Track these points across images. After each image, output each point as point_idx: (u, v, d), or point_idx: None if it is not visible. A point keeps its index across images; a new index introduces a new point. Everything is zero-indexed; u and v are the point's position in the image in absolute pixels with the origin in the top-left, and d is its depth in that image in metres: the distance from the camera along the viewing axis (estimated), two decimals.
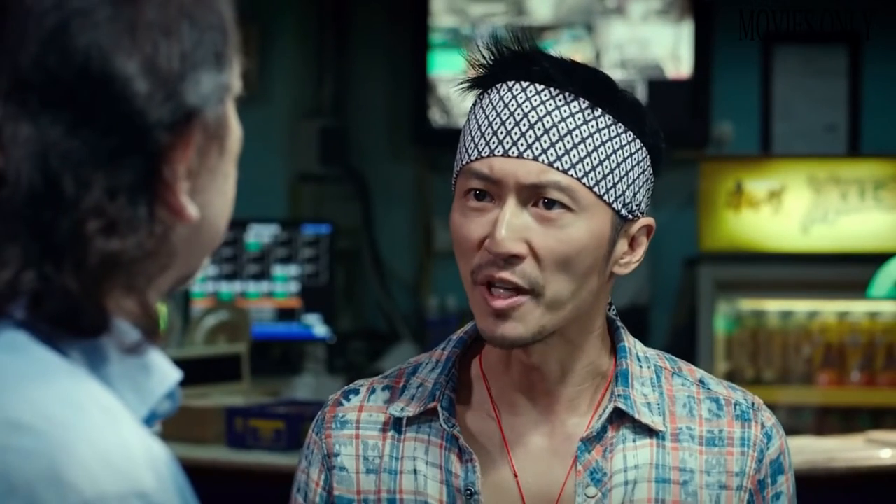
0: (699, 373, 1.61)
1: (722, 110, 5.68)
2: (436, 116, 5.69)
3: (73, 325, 0.95)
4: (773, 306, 5.54)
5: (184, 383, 3.74)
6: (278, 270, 5.25)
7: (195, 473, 4.03)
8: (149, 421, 1.00)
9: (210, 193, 1.03)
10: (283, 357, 5.34)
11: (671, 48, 5.57)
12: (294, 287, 5.25)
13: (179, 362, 4.17)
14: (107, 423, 0.92)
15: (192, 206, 1.00)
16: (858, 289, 4.67)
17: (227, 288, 5.24)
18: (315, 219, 5.46)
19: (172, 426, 3.78)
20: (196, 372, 4.08)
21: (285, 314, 5.25)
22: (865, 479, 3.71)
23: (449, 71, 5.58)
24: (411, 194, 5.93)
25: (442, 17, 5.67)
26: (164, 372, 1.01)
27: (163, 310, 1.04)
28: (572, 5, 5.59)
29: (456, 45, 5.62)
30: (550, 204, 1.48)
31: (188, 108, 0.98)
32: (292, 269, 5.26)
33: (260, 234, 5.25)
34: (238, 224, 5.22)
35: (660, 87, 5.48)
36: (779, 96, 5.70)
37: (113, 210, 0.95)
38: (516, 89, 1.51)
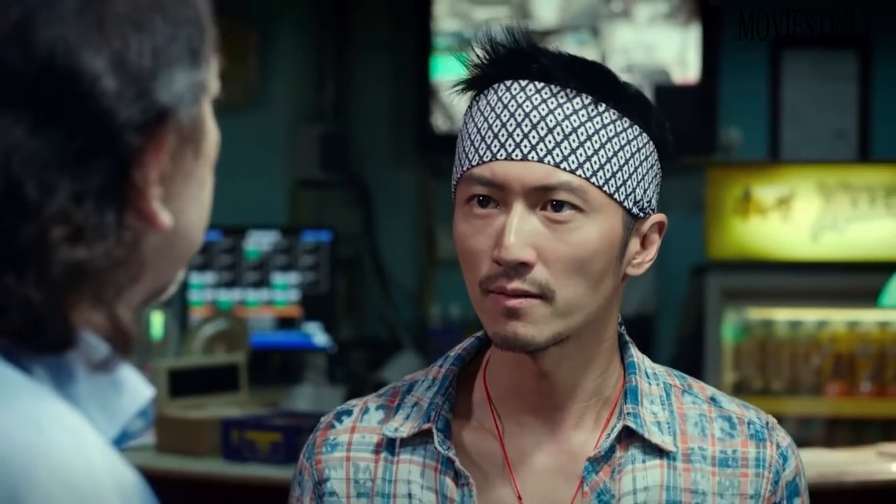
0: (710, 390, 1.56)
1: (730, 116, 5.65)
2: (439, 122, 5.67)
3: (35, 340, 0.91)
4: (782, 315, 5.52)
5: (180, 394, 3.72)
6: (278, 278, 5.24)
7: (190, 487, 4.00)
8: (120, 441, 0.95)
9: (184, 200, 0.98)
10: (283, 366, 5.32)
11: (678, 53, 5.55)
12: (294, 295, 5.24)
13: (176, 372, 4.21)
14: (71, 446, 0.88)
15: (164, 212, 0.95)
16: (869, 298, 4.63)
17: (226, 296, 5.23)
18: (315, 226, 5.44)
19: (167, 438, 3.78)
20: (193, 382, 4.05)
21: (285, 323, 5.24)
22: (877, 493, 3.67)
23: (452, 75, 5.53)
24: (413, 201, 5.91)
25: (445, 20, 5.66)
26: (135, 389, 0.95)
27: (137, 322, 0.98)
28: (577, 9, 5.56)
29: (459, 49, 5.58)
30: (559, 206, 1.43)
31: (160, 108, 0.94)
32: (292, 277, 5.25)
33: (259, 242, 5.24)
34: (237, 231, 5.22)
35: (666, 92, 5.45)
36: (787, 101, 5.68)
37: (79, 216, 0.91)
38: (515, 89, 1.46)
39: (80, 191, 0.90)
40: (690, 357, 5.32)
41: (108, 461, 0.89)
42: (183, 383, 3.97)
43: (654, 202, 1.50)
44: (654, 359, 1.59)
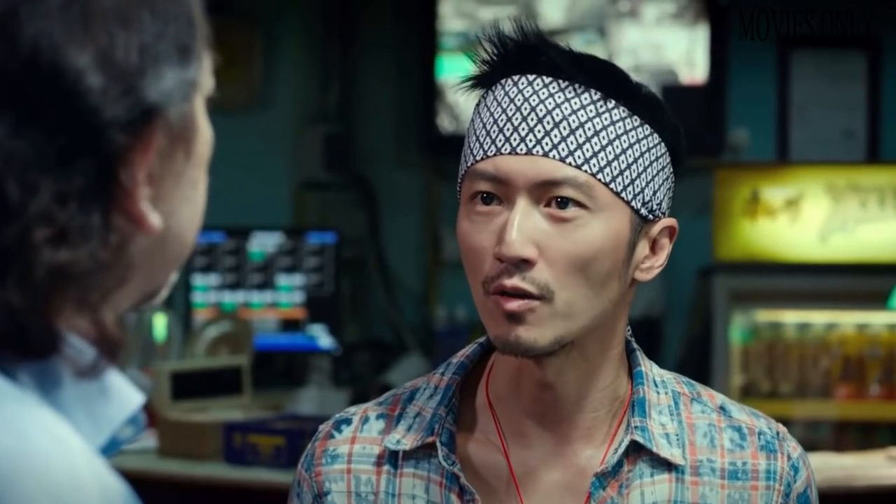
0: (719, 398, 1.52)
1: (737, 116, 5.65)
2: (444, 122, 5.68)
3: (17, 346, 0.88)
4: (791, 318, 5.50)
5: (183, 396, 3.73)
6: (282, 280, 5.23)
7: (192, 491, 3.99)
8: (109, 450, 0.92)
9: (175, 201, 0.95)
10: (287, 369, 5.31)
11: (685, 53, 5.55)
12: (298, 297, 5.23)
13: (179, 375, 4.21)
14: (56, 454, 0.86)
15: (153, 214, 0.93)
16: (878, 300, 4.63)
17: (230, 298, 5.22)
18: (320, 227, 5.43)
19: (169, 441, 3.78)
20: (196, 385, 4.06)
21: (289, 325, 5.23)
22: (886, 497, 3.66)
23: (457, 76, 5.54)
24: (419, 202, 5.91)
25: (450, 20, 5.66)
26: (125, 396, 0.93)
27: (124, 327, 0.95)
28: (584, 9, 5.56)
29: (464, 49, 5.56)
30: (564, 203, 1.38)
31: (147, 106, 0.91)
32: (297, 279, 5.23)
33: (263, 243, 5.23)
34: (241, 232, 5.22)
35: (674, 92, 5.44)
36: (796, 102, 5.67)
37: (62, 217, 0.88)
38: (522, 83, 1.42)
39: (63, 191, 0.88)
40: (698, 359, 5.31)
41: (93, 470, 0.87)
42: (186, 386, 3.97)
43: (664, 206, 1.45)
44: (661, 361, 1.56)
